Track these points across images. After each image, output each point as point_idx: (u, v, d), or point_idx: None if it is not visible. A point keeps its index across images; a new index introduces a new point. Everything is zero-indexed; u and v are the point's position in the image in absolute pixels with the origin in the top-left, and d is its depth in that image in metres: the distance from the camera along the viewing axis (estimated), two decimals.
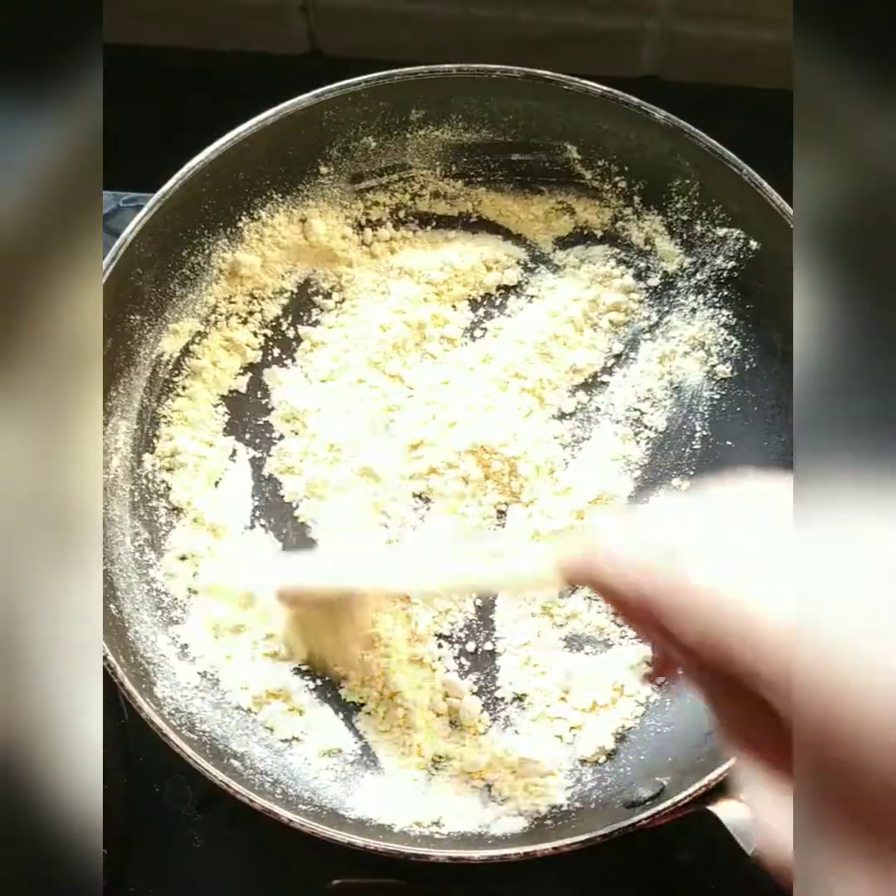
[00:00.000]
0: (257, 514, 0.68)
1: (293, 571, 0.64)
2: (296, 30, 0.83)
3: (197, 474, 0.68)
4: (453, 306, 0.72)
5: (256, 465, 0.69)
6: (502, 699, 0.66)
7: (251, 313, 0.72)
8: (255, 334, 0.71)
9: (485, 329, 0.72)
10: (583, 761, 0.64)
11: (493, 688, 0.66)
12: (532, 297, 0.73)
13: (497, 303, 0.73)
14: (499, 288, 0.73)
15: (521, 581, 0.54)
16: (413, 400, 0.70)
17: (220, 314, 0.71)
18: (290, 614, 0.64)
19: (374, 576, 0.60)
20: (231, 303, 0.71)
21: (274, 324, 0.72)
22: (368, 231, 0.73)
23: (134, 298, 0.67)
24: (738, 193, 0.66)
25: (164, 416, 0.69)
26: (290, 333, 0.72)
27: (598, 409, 0.71)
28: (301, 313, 0.72)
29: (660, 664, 0.44)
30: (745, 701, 0.31)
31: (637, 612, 0.35)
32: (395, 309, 0.71)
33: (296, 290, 0.73)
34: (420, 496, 0.69)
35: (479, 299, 0.73)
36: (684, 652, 0.33)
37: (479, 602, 0.67)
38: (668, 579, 0.33)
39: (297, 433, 0.70)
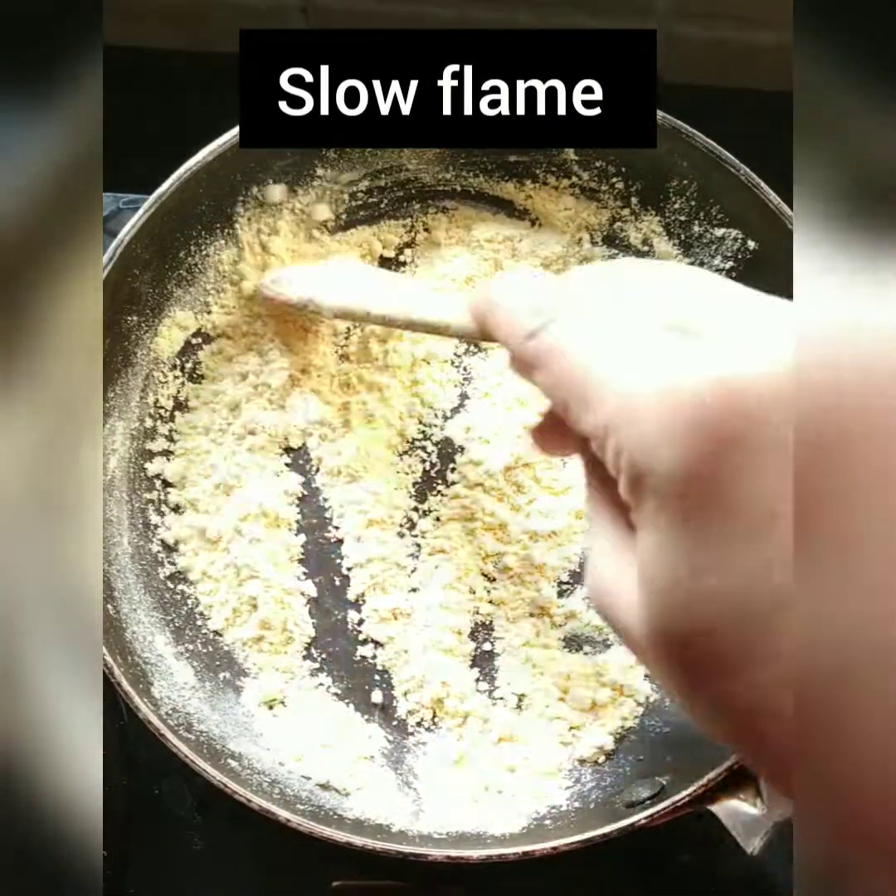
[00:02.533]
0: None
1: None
2: None
3: (194, 474, 0.69)
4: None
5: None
6: (501, 699, 0.66)
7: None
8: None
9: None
10: (582, 761, 0.64)
11: (492, 688, 0.66)
12: None
13: None
14: None
15: (437, 322, 0.59)
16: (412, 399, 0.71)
17: (218, 315, 0.71)
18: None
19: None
20: (229, 303, 0.71)
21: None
22: (365, 230, 0.73)
23: (131, 299, 0.67)
24: (735, 194, 0.66)
25: (162, 417, 0.69)
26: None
27: None
28: None
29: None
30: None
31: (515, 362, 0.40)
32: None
33: None
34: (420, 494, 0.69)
35: None
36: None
37: (479, 608, 0.67)
38: (548, 343, 0.37)
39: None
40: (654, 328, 0.34)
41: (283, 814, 0.56)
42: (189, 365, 0.70)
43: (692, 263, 0.71)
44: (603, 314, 0.36)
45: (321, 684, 0.66)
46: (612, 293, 0.37)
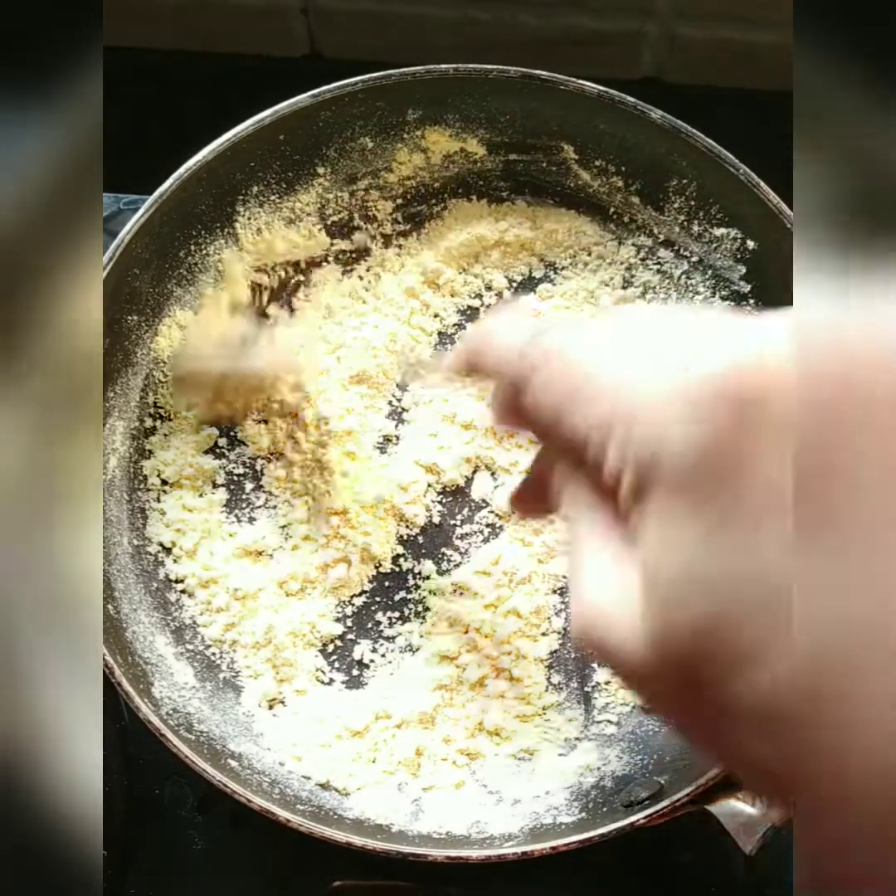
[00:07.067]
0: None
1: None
2: (296, 32, 0.83)
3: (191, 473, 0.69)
4: (444, 313, 0.73)
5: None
6: None
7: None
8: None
9: None
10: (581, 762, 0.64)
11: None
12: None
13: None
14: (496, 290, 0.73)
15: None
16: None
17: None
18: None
19: None
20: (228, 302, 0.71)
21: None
22: (365, 230, 0.73)
23: (131, 298, 0.67)
24: (735, 193, 0.66)
25: (162, 416, 0.69)
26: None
27: None
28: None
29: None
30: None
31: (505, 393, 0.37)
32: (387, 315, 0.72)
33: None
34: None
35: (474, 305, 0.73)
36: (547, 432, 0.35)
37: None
38: (544, 347, 0.35)
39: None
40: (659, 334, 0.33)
41: (283, 814, 0.56)
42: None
43: (691, 262, 0.72)
44: (603, 325, 0.36)
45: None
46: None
